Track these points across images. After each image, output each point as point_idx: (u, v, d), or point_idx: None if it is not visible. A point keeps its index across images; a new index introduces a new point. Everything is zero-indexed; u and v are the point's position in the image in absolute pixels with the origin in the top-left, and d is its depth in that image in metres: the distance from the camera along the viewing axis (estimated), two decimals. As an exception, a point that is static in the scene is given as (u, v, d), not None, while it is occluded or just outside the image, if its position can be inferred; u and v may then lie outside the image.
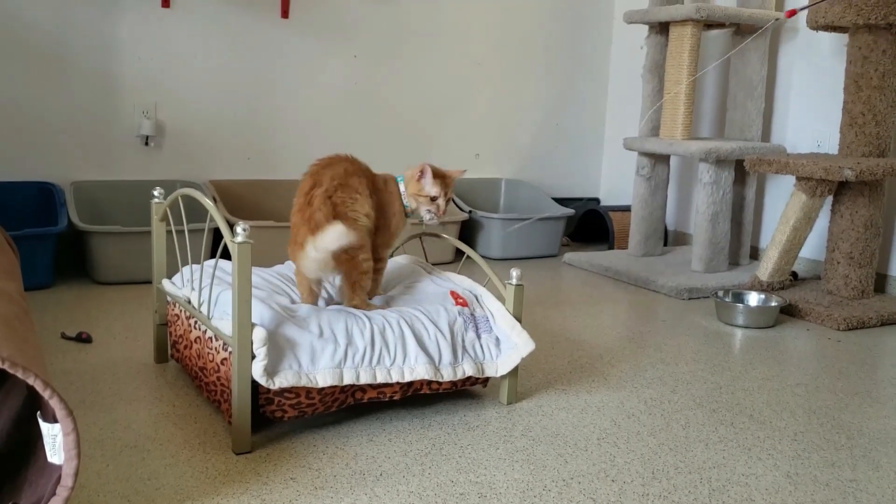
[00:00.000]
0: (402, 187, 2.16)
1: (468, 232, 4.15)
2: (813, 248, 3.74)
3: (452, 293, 2.16)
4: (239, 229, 1.70)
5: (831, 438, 2.03)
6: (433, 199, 2.13)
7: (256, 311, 1.81)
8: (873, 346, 2.89)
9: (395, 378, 1.92)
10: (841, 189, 3.30)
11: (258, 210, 3.83)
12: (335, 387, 1.87)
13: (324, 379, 1.81)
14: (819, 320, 3.13)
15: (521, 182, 4.60)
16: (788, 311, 3.22)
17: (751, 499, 1.69)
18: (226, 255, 1.90)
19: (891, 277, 3.54)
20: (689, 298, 3.45)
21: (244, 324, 1.71)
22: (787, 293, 3.35)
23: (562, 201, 4.57)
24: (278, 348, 1.77)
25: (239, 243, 1.69)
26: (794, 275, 3.62)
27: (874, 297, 3.37)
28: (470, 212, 4.09)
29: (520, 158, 4.70)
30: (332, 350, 1.84)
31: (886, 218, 3.52)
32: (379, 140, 4.22)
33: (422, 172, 2.12)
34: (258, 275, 2.20)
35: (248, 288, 1.70)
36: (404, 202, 2.15)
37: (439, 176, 2.14)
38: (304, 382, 1.79)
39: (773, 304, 3.13)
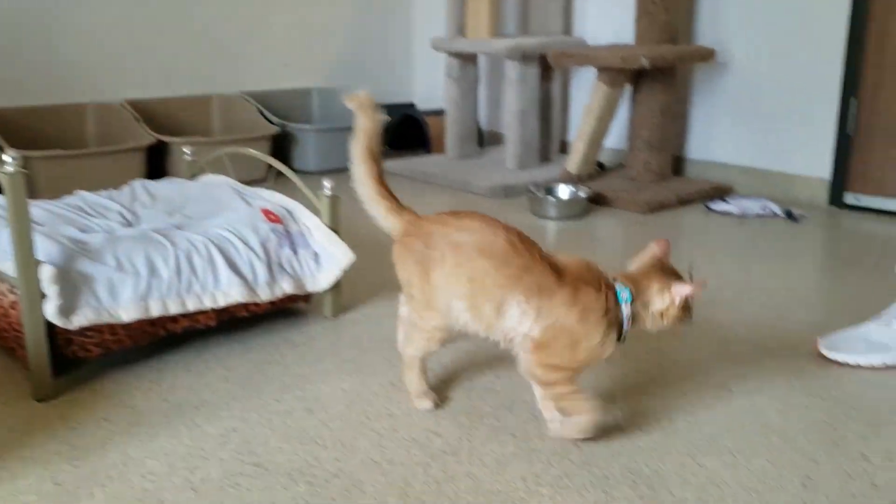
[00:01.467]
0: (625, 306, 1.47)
1: (281, 146, 4.01)
2: (616, 137, 3.90)
3: (264, 210, 2.08)
4: (7, 158, 1.54)
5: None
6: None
7: (42, 247, 1.66)
8: (674, 226, 3.08)
9: (207, 304, 1.84)
10: (639, 77, 3.43)
11: (42, 139, 3.50)
12: (143, 320, 1.77)
13: (128, 313, 1.71)
14: (624, 206, 3.29)
15: (334, 90, 4.48)
16: (597, 200, 3.36)
17: (567, 379, 1.77)
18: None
19: (687, 160, 3.77)
20: (506, 196, 3.52)
21: (27, 262, 1.57)
22: (594, 183, 3.49)
23: (376, 108, 4.50)
24: (72, 285, 1.64)
25: (9, 174, 1.53)
26: (601, 165, 3.77)
27: (673, 180, 3.58)
28: (282, 124, 3.95)
29: (331, 65, 4.57)
30: (133, 282, 1.73)
31: (680, 103, 3.71)
32: (178, 57, 3.95)
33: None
34: (42, 208, 2.02)
35: (26, 222, 1.55)
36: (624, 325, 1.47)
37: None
38: (105, 319, 1.68)
39: (582, 194, 3.25)
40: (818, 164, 3.34)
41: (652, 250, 1.54)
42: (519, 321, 1.45)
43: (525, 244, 1.50)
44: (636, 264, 1.53)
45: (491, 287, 1.45)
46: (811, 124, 3.33)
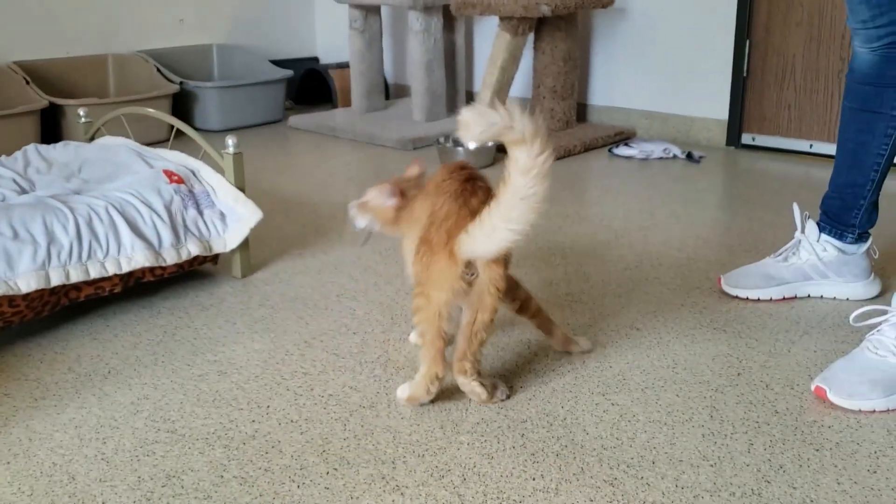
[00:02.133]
0: None
1: (182, 105, 3.88)
2: (521, 86, 3.92)
3: (166, 171, 2.02)
4: None
5: (547, 259, 2.19)
6: None
7: (-72, 219, 1.58)
8: (579, 171, 3.13)
9: (111, 270, 1.78)
10: (540, 26, 3.44)
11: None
12: (43, 290, 1.70)
13: (27, 284, 1.64)
14: (533, 154, 3.32)
15: (235, 47, 4.35)
16: (504, 150, 3.37)
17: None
18: None
19: (590, 106, 3.82)
20: (415, 148, 3.51)
21: (-87, 236, 1.49)
22: (502, 132, 3.50)
23: (280, 63, 4.40)
24: (-37, 257, 1.57)
25: None
26: (508, 113, 3.78)
27: (577, 127, 3.63)
28: (181, 83, 3.82)
29: (230, 21, 4.42)
30: (31, 251, 1.66)
31: (582, 51, 3.75)
32: (69, 15, 3.75)
33: None
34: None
35: None
36: None
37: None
38: (3, 290, 1.61)
39: (490, 144, 3.26)
40: (716, 106, 3.44)
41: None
42: None
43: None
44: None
45: None
46: (708, 67, 3.42)
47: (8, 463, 1.32)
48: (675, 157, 3.27)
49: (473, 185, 1.45)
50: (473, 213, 1.38)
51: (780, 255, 1.95)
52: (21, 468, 1.31)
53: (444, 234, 1.38)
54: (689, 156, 3.24)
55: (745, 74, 3.33)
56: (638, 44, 3.59)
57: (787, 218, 2.46)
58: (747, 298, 1.91)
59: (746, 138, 3.40)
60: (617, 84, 3.71)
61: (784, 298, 1.91)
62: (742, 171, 3.12)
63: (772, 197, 2.74)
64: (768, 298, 1.90)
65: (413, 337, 1.73)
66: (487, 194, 1.43)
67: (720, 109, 3.43)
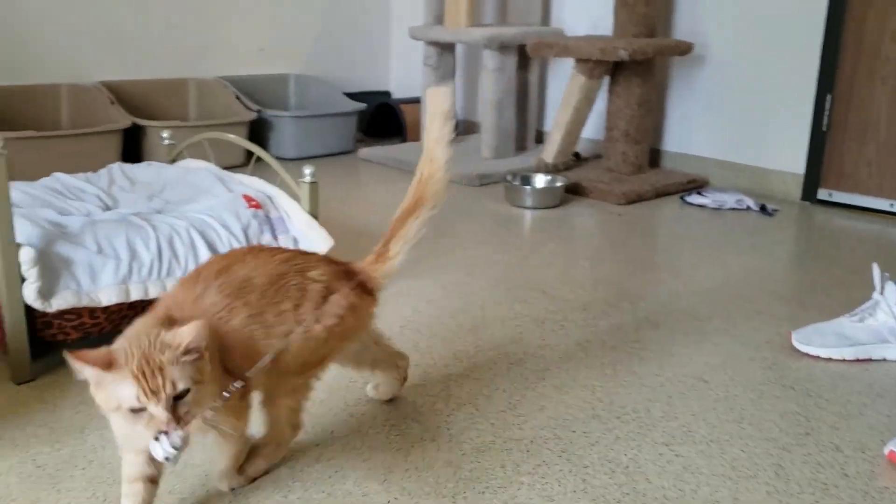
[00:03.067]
0: None
1: (258, 132, 3.99)
2: (593, 128, 3.92)
3: (245, 196, 2.07)
4: (-11, 141, 1.52)
5: (616, 305, 2.18)
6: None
7: (21, 228, 1.65)
8: (650, 217, 3.11)
9: (187, 288, 1.83)
10: (616, 69, 3.45)
11: (15, 120, 3.46)
12: (123, 304, 1.76)
13: (108, 297, 1.70)
14: (601, 196, 3.32)
15: (311, 77, 4.46)
16: (573, 190, 3.38)
17: (546, 368, 1.79)
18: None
19: (664, 152, 3.80)
20: (481, 185, 3.53)
21: (7, 244, 1.56)
22: (570, 173, 3.52)
23: (353, 96, 4.49)
24: (51, 268, 1.63)
25: (-9, 156, 1.51)
26: (577, 155, 3.79)
27: (650, 172, 3.61)
28: (258, 110, 3.93)
29: (307, 52, 4.54)
30: (113, 266, 1.72)
31: (658, 96, 3.74)
32: (154, 38, 3.91)
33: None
34: (19, 189, 1.99)
35: (6, 205, 1.54)
36: None
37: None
38: (85, 302, 1.67)
39: (558, 184, 3.27)
40: (793, 159, 3.39)
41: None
42: None
43: None
44: None
45: None
46: (787, 120, 3.38)
47: (83, 469, 1.37)
48: (748, 208, 3.23)
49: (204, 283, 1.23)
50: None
51: (856, 315, 1.90)
52: (95, 474, 1.35)
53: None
54: (763, 208, 3.19)
55: (824, 128, 3.28)
56: (715, 92, 3.57)
57: (862, 277, 2.40)
58: (819, 357, 1.87)
59: (823, 193, 3.34)
60: (692, 131, 3.69)
61: (858, 360, 1.86)
62: (817, 226, 3.07)
63: (847, 255, 2.68)
64: (841, 358, 1.86)
65: (369, 389, 1.64)
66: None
67: (797, 163, 3.38)
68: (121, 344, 1.07)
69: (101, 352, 1.04)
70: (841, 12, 3.17)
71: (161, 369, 1.03)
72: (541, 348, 1.89)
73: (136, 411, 1.04)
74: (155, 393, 1.02)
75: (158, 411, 1.03)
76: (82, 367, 1.03)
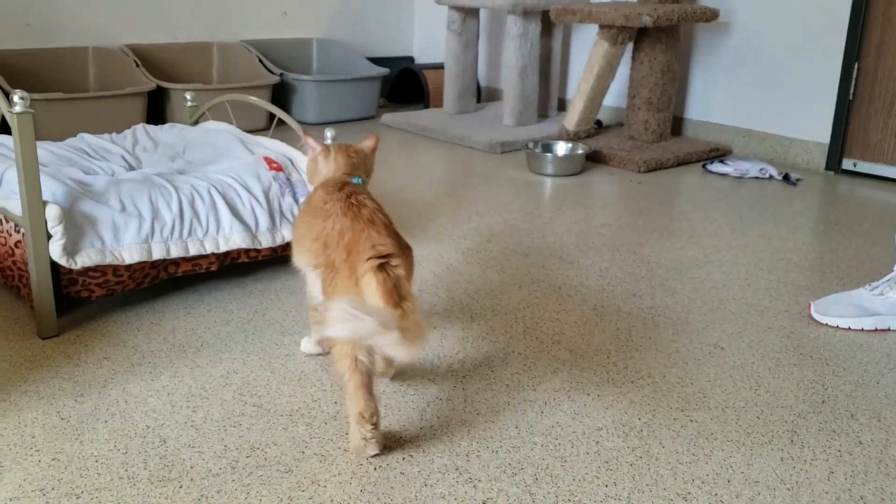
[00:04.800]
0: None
1: (280, 96, 4.00)
2: (616, 95, 3.89)
3: (266, 158, 2.09)
4: (17, 98, 1.54)
5: (633, 272, 2.18)
6: None
7: (47, 187, 1.67)
8: (670, 185, 3.09)
9: (209, 249, 1.86)
10: (640, 36, 3.42)
11: (43, 82, 3.49)
12: (145, 262, 1.79)
13: (130, 255, 1.72)
14: (622, 164, 3.30)
15: (334, 42, 4.45)
16: (594, 158, 3.37)
17: (561, 332, 1.80)
18: (7, 129, 1.73)
19: (686, 120, 3.77)
20: (503, 152, 3.53)
21: (34, 202, 1.58)
22: (592, 141, 3.50)
23: (376, 61, 4.48)
24: (76, 226, 1.66)
25: (18, 113, 1.53)
26: (599, 123, 3.77)
27: (671, 140, 3.58)
28: (281, 74, 3.93)
29: (330, 16, 4.53)
30: (136, 225, 1.74)
31: (681, 63, 3.70)
32: (176, 4, 3.91)
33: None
34: (46, 149, 2.03)
35: (33, 162, 1.56)
36: None
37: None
38: (109, 260, 1.70)
39: (580, 151, 3.26)
40: (817, 128, 3.35)
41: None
42: None
43: None
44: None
45: None
46: (812, 89, 3.33)
47: (105, 422, 1.40)
48: (770, 177, 3.20)
49: (357, 199, 1.42)
50: (368, 223, 1.35)
51: (876, 288, 1.89)
52: (117, 427, 1.38)
53: (344, 252, 1.31)
54: (786, 177, 3.17)
55: (850, 98, 3.24)
56: (740, 60, 3.53)
57: (884, 248, 2.38)
58: (837, 327, 1.87)
59: (847, 164, 3.31)
60: (715, 99, 3.66)
61: (876, 330, 1.86)
62: (840, 196, 3.04)
63: (870, 225, 2.66)
64: (860, 328, 1.86)
65: (304, 344, 1.67)
66: (375, 203, 1.42)
67: (822, 132, 3.34)
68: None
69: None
70: (872, -21, 3.11)
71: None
72: (556, 313, 1.90)
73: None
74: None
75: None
76: (315, 144, 1.56)
